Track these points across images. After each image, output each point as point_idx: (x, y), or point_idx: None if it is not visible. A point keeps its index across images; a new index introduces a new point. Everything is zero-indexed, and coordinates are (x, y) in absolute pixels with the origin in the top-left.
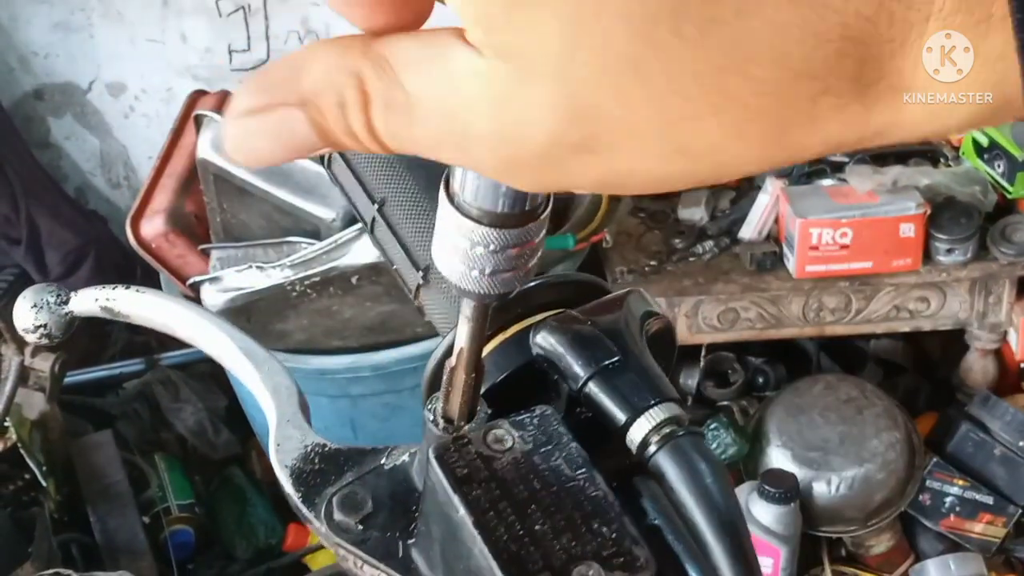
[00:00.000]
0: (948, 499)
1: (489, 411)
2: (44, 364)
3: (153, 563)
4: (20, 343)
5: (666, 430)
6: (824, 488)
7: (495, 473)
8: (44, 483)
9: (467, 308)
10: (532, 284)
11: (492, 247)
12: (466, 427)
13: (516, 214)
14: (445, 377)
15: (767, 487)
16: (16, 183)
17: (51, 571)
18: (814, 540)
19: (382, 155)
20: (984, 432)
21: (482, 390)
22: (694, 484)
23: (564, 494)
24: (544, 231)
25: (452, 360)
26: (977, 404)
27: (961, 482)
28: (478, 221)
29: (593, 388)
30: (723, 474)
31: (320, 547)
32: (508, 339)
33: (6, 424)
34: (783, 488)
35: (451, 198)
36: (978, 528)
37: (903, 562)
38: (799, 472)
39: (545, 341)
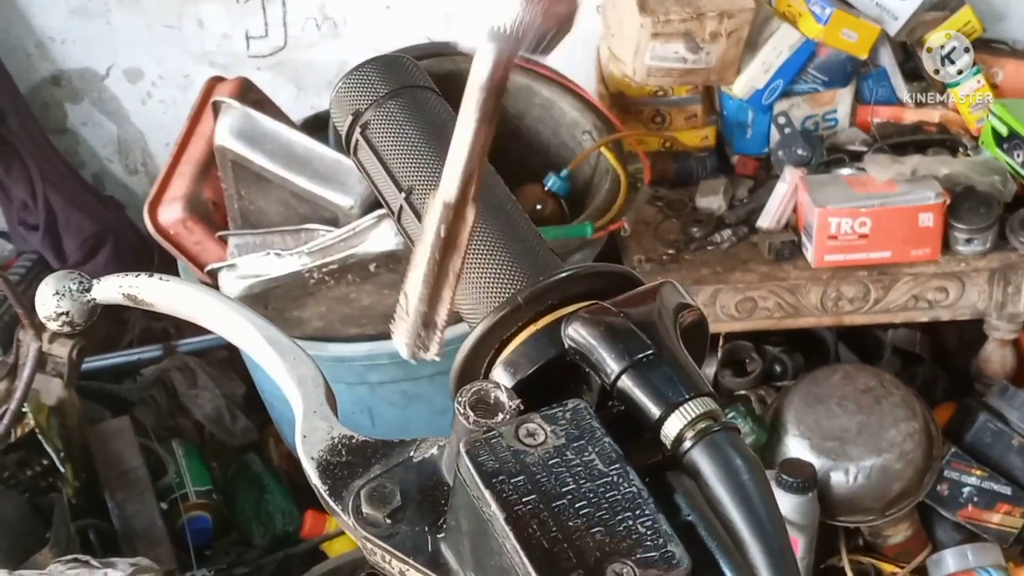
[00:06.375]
0: (966, 489)
1: (520, 404)
2: (62, 350)
3: (171, 549)
4: (38, 329)
5: (701, 425)
6: (842, 478)
7: (527, 468)
8: (62, 469)
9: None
10: (562, 275)
11: None
12: (498, 419)
13: None
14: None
15: (785, 476)
16: (33, 169)
17: (69, 557)
18: (831, 530)
19: (410, 142)
20: (1002, 422)
21: (513, 383)
22: (730, 480)
23: (597, 490)
24: None
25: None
26: (995, 394)
27: (979, 472)
28: None
29: (627, 382)
30: (760, 470)
31: (337, 535)
32: (539, 331)
33: (24, 410)
34: (801, 478)
35: None
36: (996, 518)
37: (920, 552)
38: (817, 462)
39: (577, 333)
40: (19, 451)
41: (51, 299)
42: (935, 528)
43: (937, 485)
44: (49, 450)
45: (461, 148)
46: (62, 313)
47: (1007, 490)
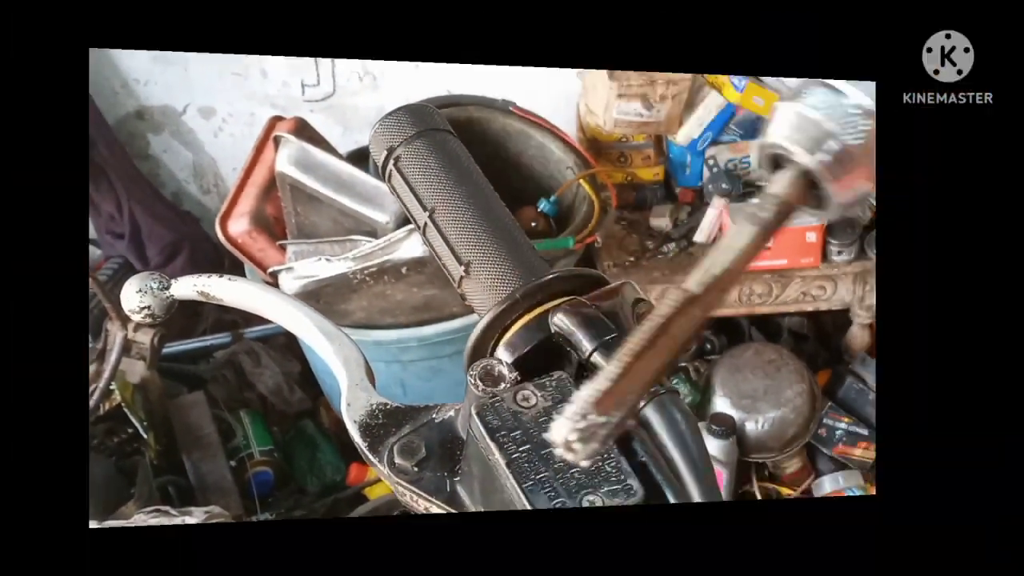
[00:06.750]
0: (838, 432)
1: (518, 376)
2: (145, 337)
3: (239, 499)
4: (124, 320)
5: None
6: (753, 426)
7: (523, 424)
8: (145, 436)
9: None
10: (550, 277)
11: None
12: (500, 388)
13: None
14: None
15: (713, 426)
16: (120, 188)
17: (152, 507)
18: (746, 464)
19: (432, 172)
20: (863, 384)
21: (512, 359)
22: (672, 430)
23: None
24: None
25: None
26: (857, 363)
27: (847, 420)
28: None
29: (597, 358)
30: (694, 422)
31: (376, 482)
32: (532, 320)
33: (112, 387)
34: (725, 427)
35: None
36: (858, 453)
37: (807, 478)
38: (736, 415)
39: (560, 321)
40: (107, 422)
41: (135, 295)
42: (817, 460)
43: (818, 430)
44: (133, 420)
45: (727, 249)
46: (144, 307)
47: (865, 432)
